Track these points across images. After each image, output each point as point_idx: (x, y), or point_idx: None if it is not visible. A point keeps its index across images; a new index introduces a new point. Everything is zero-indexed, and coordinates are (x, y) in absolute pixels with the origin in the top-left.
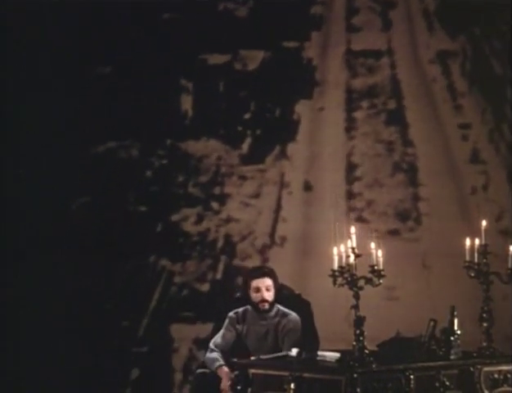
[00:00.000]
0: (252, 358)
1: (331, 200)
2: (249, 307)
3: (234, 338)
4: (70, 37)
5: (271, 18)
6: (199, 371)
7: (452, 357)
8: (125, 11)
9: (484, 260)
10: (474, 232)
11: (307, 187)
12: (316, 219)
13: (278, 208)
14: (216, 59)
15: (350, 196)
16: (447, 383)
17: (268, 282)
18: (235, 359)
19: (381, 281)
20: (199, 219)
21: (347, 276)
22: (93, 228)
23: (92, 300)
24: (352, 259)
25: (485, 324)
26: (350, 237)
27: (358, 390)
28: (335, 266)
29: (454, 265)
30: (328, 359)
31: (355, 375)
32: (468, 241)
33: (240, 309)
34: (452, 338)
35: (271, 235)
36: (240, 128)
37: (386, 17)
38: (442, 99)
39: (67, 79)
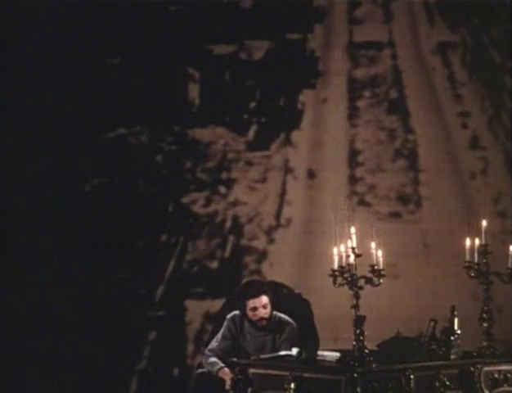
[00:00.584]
0: (252, 358)
1: (334, 184)
2: None
3: (230, 347)
4: (81, 29)
5: (275, 10)
6: (199, 371)
7: (452, 357)
8: (133, 4)
9: (484, 260)
10: (473, 215)
11: (311, 172)
12: (320, 202)
13: (283, 192)
14: (222, 49)
15: (353, 180)
16: (447, 383)
17: (265, 300)
18: (235, 359)
19: (381, 281)
20: (208, 202)
21: (347, 276)
22: (107, 209)
23: (106, 272)
24: (352, 258)
25: (485, 324)
26: (350, 237)
27: (358, 390)
28: (335, 266)
29: (453, 246)
30: (328, 359)
31: (355, 375)
32: (468, 242)
33: (238, 316)
34: (452, 338)
35: (277, 217)
36: (245, 116)
37: (387, 9)
38: (443, 88)
39: (80, 69)
